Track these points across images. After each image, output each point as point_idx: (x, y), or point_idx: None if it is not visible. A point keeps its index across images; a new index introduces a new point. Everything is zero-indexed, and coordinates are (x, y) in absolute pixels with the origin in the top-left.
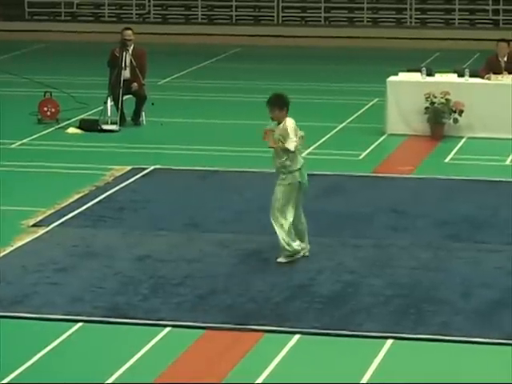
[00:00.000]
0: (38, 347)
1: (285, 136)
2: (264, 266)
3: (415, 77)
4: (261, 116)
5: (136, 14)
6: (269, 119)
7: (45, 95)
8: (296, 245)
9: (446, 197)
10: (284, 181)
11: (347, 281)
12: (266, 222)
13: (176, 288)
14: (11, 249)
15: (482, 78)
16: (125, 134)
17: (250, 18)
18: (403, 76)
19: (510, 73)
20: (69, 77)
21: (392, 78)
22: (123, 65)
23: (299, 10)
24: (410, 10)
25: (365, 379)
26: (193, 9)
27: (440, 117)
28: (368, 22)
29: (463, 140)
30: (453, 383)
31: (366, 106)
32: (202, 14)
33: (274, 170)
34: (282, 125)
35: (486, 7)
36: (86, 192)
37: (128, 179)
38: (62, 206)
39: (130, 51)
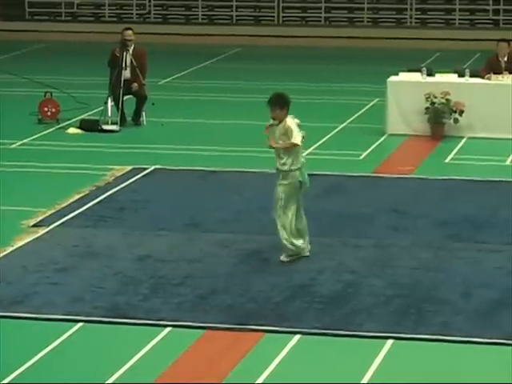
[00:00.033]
0: (38, 347)
1: (288, 133)
2: (264, 266)
3: (415, 77)
4: (261, 116)
5: (136, 14)
6: (269, 119)
7: (45, 95)
8: (300, 243)
9: (446, 197)
10: (284, 180)
11: (348, 281)
12: (266, 221)
13: (176, 288)
14: (11, 249)
15: (483, 78)
16: (125, 134)
17: (251, 18)
18: (403, 76)
19: (510, 73)
20: (69, 77)
21: (392, 78)
22: (123, 65)
23: (299, 10)
24: (411, 10)
25: (365, 379)
26: (193, 9)
27: (440, 117)
28: (368, 22)
29: (463, 140)
30: (453, 383)
31: (367, 106)
32: (203, 14)
33: (275, 170)
34: (282, 124)
35: (487, 7)
36: (87, 192)
37: (128, 179)
38: (63, 206)
39: (131, 51)
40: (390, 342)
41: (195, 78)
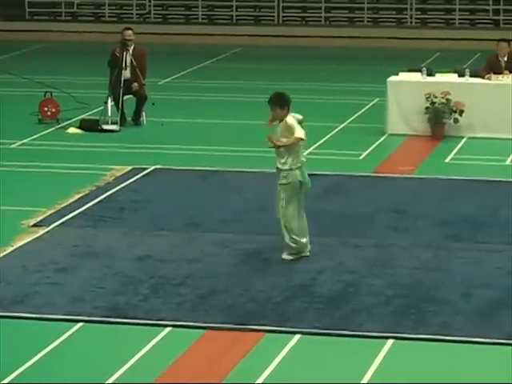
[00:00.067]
0: (38, 347)
1: (291, 130)
2: (264, 266)
3: (416, 77)
4: (261, 116)
5: (136, 14)
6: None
7: (45, 95)
8: (304, 240)
9: (446, 197)
10: (285, 180)
11: (348, 281)
12: (266, 221)
13: (176, 288)
14: (11, 249)
15: (483, 77)
16: (125, 134)
17: (251, 18)
18: (404, 76)
19: (510, 72)
20: (69, 77)
21: (392, 78)
22: (124, 65)
23: (299, 10)
24: (411, 9)
25: (365, 379)
26: (193, 9)
27: (440, 117)
28: (368, 21)
29: (463, 140)
30: (453, 383)
31: (367, 106)
32: (203, 14)
33: (275, 170)
34: (282, 123)
35: (487, 7)
36: (87, 192)
37: (128, 179)
38: (63, 206)
39: (131, 51)
40: (390, 341)
41: (195, 77)
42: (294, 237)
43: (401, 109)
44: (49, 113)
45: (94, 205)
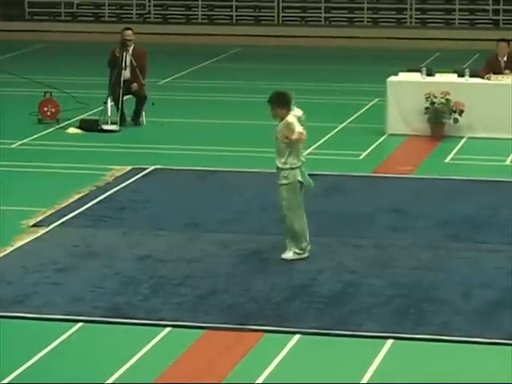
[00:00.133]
0: (38, 347)
1: (290, 129)
2: (264, 266)
3: (415, 77)
4: (261, 116)
5: (136, 14)
6: (270, 119)
7: (45, 95)
8: (305, 243)
9: (446, 197)
10: (285, 180)
11: (347, 281)
12: (266, 221)
13: (176, 288)
14: (11, 249)
15: (482, 78)
16: (125, 134)
17: (251, 18)
18: (403, 76)
19: (510, 72)
20: (69, 77)
21: (392, 78)
22: (123, 65)
23: (299, 10)
24: (410, 10)
25: (365, 379)
26: (193, 9)
27: (440, 117)
28: (368, 22)
29: (463, 140)
30: (453, 383)
31: (367, 106)
32: (203, 14)
33: (275, 170)
34: (283, 122)
35: (486, 7)
36: (87, 192)
37: (128, 179)
38: (63, 206)
39: (131, 51)
40: (389, 341)
41: (195, 77)
42: (299, 239)
43: (400, 109)
44: (49, 113)
45: (93, 205)
